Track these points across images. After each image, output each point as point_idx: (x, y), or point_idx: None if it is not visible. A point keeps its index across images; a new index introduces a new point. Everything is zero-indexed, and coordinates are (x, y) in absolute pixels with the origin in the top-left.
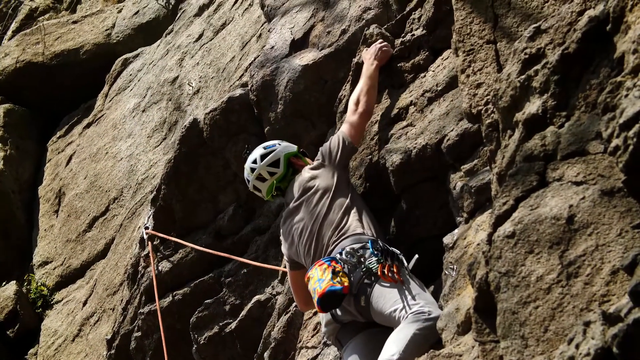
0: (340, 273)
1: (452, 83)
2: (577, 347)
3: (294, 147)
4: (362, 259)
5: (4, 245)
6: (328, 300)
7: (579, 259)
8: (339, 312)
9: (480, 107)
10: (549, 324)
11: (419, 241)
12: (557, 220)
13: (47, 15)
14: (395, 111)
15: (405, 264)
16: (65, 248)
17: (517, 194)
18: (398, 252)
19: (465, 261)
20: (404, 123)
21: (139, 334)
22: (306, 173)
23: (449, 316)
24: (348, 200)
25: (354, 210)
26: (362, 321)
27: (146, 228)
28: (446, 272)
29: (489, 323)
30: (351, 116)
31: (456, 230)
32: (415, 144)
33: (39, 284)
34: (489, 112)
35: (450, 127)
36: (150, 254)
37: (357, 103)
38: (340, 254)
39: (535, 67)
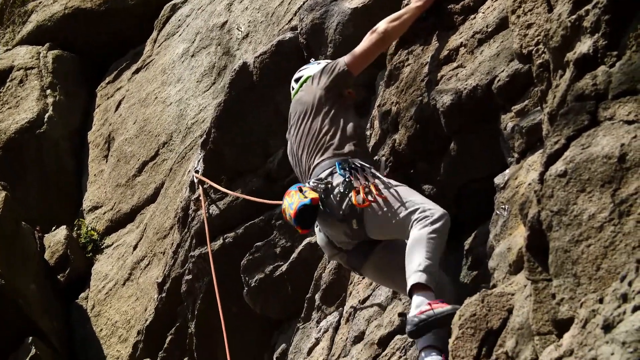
0: (308, 191)
1: (502, 24)
2: (629, 284)
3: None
4: (329, 185)
5: (53, 191)
6: (302, 217)
7: (630, 197)
8: (334, 240)
9: (531, 48)
10: (601, 262)
11: (470, 182)
12: (608, 159)
13: None
14: (445, 53)
15: (380, 173)
16: (115, 193)
17: (568, 133)
18: (368, 165)
19: (516, 201)
20: (454, 64)
21: (190, 277)
22: (300, 93)
23: (500, 256)
24: (325, 121)
25: (330, 131)
26: (357, 244)
27: (196, 171)
28: (497, 212)
29: (541, 262)
30: (363, 41)
31: (507, 171)
32: (466, 85)
33: (89, 228)
34: (540, 52)
35: (500, 67)
36: (201, 197)
37: (375, 29)
38: (309, 184)
39: (586, 7)
